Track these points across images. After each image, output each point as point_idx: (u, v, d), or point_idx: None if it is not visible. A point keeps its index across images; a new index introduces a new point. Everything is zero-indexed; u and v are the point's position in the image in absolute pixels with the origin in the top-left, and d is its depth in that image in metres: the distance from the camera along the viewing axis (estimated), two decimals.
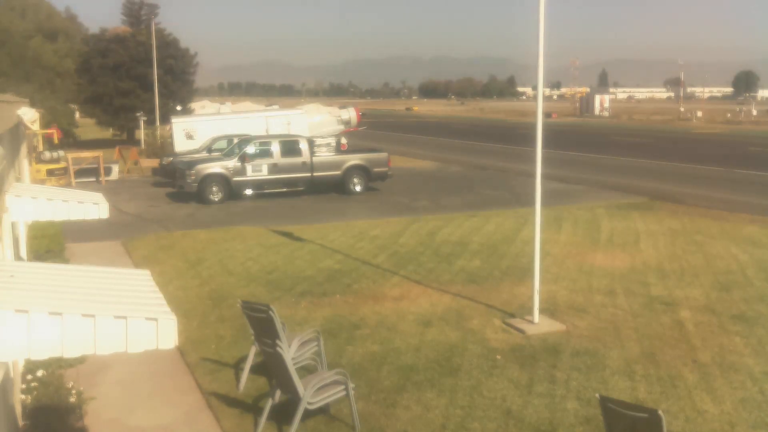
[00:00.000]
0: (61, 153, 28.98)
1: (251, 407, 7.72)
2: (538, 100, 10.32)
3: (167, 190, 24.72)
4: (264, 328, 7.89)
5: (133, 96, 46.11)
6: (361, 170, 23.84)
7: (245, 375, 8.28)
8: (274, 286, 12.48)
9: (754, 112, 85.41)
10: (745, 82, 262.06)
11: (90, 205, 8.62)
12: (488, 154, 40.68)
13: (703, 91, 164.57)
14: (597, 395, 5.46)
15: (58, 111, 45.72)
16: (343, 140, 31.22)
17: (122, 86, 46.21)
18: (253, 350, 8.29)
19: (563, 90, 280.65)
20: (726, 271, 13.21)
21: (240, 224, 18.42)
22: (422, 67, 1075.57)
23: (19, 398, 7.14)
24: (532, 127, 11.24)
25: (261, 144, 23.28)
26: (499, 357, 9.04)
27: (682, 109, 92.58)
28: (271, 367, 7.12)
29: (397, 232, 17.06)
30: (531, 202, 11.05)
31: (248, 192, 22.71)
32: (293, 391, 6.87)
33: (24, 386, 7.46)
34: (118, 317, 4.15)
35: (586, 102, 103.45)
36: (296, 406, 6.86)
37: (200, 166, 22.30)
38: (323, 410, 7.27)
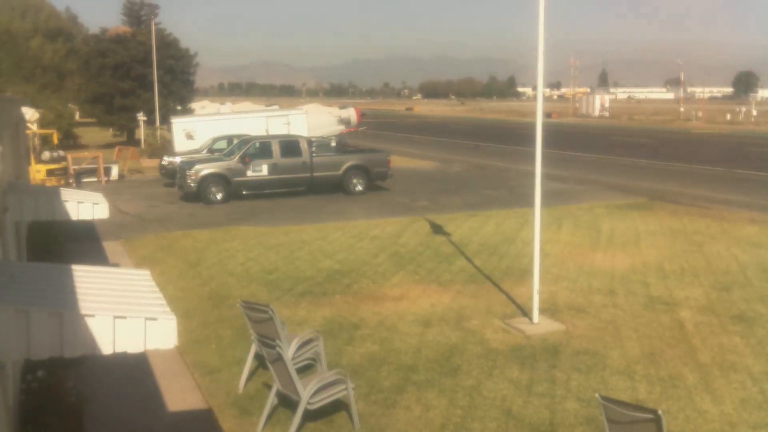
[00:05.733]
0: (61, 153, 28.99)
1: (251, 407, 7.72)
2: (538, 100, 10.32)
3: (172, 191, 24.64)
4: (264, 328, 7.90)
5: (133, 96, 46.10)
6: (361, 170, 23.83)
7: (245, 375, 8.28)
8: (274, 286, 12.48)
9: (754, 113, 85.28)
10: (745, 82, 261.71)
11: (90, 205, 8.63)
12: (488, 154, 40.67)
13: (703, 91, 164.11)
14: (597, 395, 5.46)
15: (59, 111, 45.75)
16: (345, 140, 31.23)
17: (122, 86, 46.19)
18: (253, 350, 8.29)
19: (563, 90, 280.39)
20: (726, 271, 13.22)
21: (240, 224, 18.42)
22: (422, 67, 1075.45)
23: (18, 398, 7.13)
24: (532, 128, 11.24)
25: (261, 144, 23.27)
26: (499, 357, 9.04)
27: (681, 110, 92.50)
28: (271, 368, 7.12)
29: (397, 232, 17.06)
30: (531, 202, 11.05)
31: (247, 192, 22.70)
32: (293, 392, 6.87)
33: (24, 386, 7.45)
34: (118, 317, 4.16)
35: (586, 102, 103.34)
36: (296, 406, 6.86)
37: (200, 166, 22.30)
38: (323, 410, 7.27)
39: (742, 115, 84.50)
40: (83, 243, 16.20)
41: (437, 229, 17.47)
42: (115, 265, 14.16)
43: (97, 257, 14.74)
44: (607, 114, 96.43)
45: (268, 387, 7.61)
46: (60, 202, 8.43)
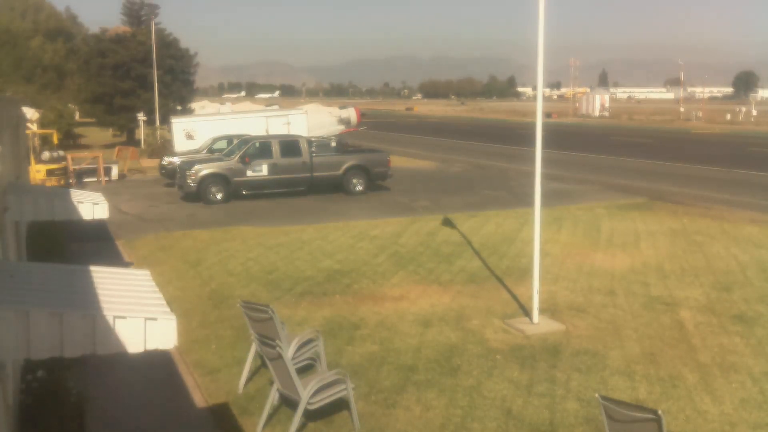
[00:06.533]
0: (61, 153, 29.00)
1: (251, 407, 7.72)
2: (538, 100, 10.32)
3: (172, 191, 24.63)
4: (264, 328, 7.90)
5: (133, 96, 46.09)
6: (361, 170, 23.83)
7: (245, 375, 8.28)
8: (275, 286, 12.48)
9: (754, 113, 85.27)
10: (745, 82, 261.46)
11: (89, 205, 8.63)
12: (488, 154, 40.67)
13: (703, 91, 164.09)
14: (597, 395, 5.46)
15: (59, 111, 45.75)
16: (345, 140, 31.23)
17: (122, 86, 46.18)
18: (252, 350, 8.29)
19: (563, 90, 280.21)
20: (726, 271, 13.22)
21: (240, 224, 18.41)
22: (422, 67, 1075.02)
23: (18, 398, 7.14)
24: (532, 127, 11.24)
25: (261, 144, 23.28)
26: (499, 357, 9.04)
27: (681, 110, 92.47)
28: (271, 368, 7.12)
29: (397, 232, 17.06)
30: (531, 202, 11.05)
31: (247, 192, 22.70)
32: (293, 392, 6.87)
33: (24, 386, 7.46)
34: (117, 317, 4.16)
35: (586, 102, 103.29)
36: (296, 406, 6.86)
37: (200, 166, 22.30)
38: (323, 410, 7.27)
39: (742, 115, 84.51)
40: (83, 243, 16.19)
41: (437, 229, 17.48)
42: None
43: (98, 257, 14.71)
44: (607, 114, 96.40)
45: (268, 387, 7.61)
46: (60, 202, 8.43)
